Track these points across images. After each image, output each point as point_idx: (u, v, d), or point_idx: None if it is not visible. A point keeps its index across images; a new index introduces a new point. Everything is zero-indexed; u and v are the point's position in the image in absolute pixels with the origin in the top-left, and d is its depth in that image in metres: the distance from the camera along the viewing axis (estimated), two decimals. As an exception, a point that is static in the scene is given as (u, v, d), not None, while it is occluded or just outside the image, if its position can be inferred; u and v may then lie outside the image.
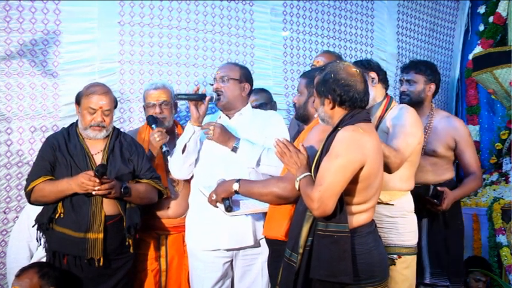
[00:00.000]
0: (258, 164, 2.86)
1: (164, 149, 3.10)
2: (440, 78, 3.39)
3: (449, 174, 3.31)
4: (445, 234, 3.21)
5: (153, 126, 3.15)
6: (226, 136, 2.90)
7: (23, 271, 2.70)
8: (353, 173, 2.12)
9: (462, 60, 6.04)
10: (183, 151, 2.92)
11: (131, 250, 2.90)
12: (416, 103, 3.23)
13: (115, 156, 2.92)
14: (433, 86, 3.30)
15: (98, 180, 2.67)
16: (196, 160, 3.01)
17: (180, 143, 2.97)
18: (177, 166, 3.01)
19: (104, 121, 2.87)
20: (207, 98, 2.92)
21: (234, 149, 2.88)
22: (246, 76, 3.08)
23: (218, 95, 2.99)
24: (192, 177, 3.07)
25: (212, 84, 3.07)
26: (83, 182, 2.68)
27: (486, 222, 4.38)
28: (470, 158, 3.29)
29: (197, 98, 2.92)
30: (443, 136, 3.25)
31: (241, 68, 3.12)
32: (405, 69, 3.37)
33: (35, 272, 2.68)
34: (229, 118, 3.06)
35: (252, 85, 3.12)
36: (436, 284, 3.19)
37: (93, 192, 2.70)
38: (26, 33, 3.45)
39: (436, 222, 3.19)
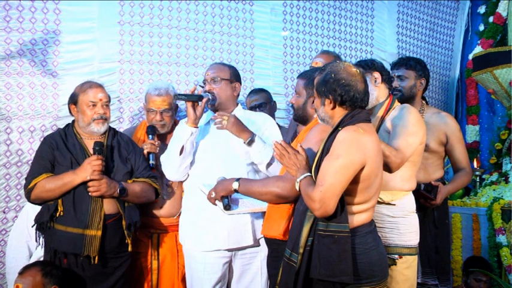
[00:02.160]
0: (269, 163, 2.85)
1: (151, 161, 3.09)
2: (429, 74, 3.44)
3: (439, 173, 3.35)
4: (434, 233, 3.26)
5: (149, 136, 3.16)
6: (241, 127, 2.85)
7: (26, 269, 2.70)
8: (354, 173, 2.13)
9: (462, 60, 6.03)
10: (181, 153, 2.91)
11: (129, 249, 2.90)
12: (408, 98, 3.26)
13: (113, 156, 2.93)
14: (423, 81, 3.36)
15: (100, 157, 2.75)
16: (192, 162, 3.00)
17: (174, 144, 2.93)
18: (174, 168, 2.97)
19: (106, 113, 2.89)
20: (204, 100, 2.91)
21: (250, 143, 2.83)
22: (235, 75, 3.07)
23: (213, 97, 2.97)
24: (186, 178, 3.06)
25: (203, 86, 3.05)
26: (86, 164, 2.73)
27: (486, 222, 4.37)
28: (461, 153, 3.35)
29: (196, 99, 2.91)
30: (434, 131, 3.28)
31: (230, 67, 3.11)
32: (395, 65, 3.41)
33: (38, 270, 2.68)
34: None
35: (241, 84, 3.12)
36: (426, 283, 3.21)
37: (89, 189, 2.74)
38: (25, 32, 3.45)
39: (426, 221, 3.21)
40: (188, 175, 3.04)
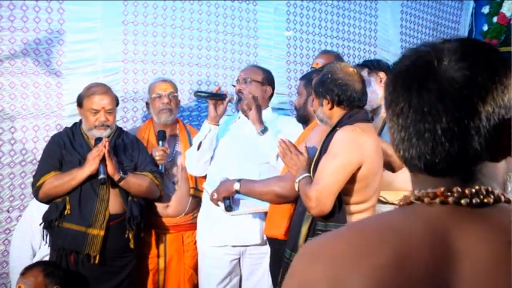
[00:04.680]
0: (277, 158, 2.87)
1: (160, 169, 3.15)
2: None
3: None
4: None
5: (159, 142, 3.17)
6: (259, 118, 2.93)
7: (27, 270, 2.71)
8: (351, 172, 2.13)
9: (466, 61, 6.02)
10: (198, 148, 2.96)
11: (131, 245, 2.90)
12: None
13: (118, 154, 2.95)
14: None
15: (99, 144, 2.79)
16: (212, 158, 3.06)
17: (195, 140, 3.04)
18: (193, 163, 3.08)
19: (108, 120, 2.92)
20: (227, 99, 2.95)
21: (263, 131, 2.90)
22: (268, 79, 3.13)
23: (239, 97, 3.02)
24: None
25: (234, 86, 3.12)
26: (92, 152, 2.77)
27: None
28: None
29: (218, 97, 2.94)
30: None
31: (264, 71, 3.17)
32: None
33: (39, 270, 2.68)
34: (248, 119, 3.08)
35: (273, 89, 3.15)
36: None
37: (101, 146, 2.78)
38: (29, 32, 3.45)
39: None
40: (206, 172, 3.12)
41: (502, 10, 5.56)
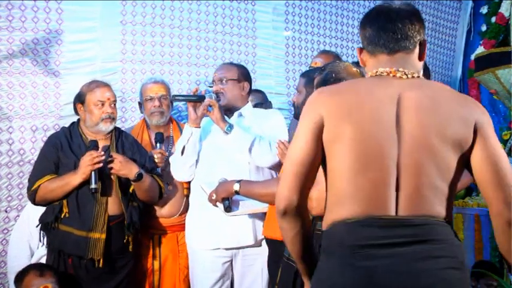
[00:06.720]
0: (249, 151, 2.85)
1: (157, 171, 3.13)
2: (430, 74, 3.42)
3: None
4: None
5: (157, 145, 3.16)
6: (221, 117, 2.88)
7: (42, 270, 2.69)
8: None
9: (464, 61, 6.01)
10: (182, 153, 2.92)
11: (130, 248, 2.90)
12: None
13: None
14: None
15: (93, 152, 2.72)
16: (197, 161, 3.01)
17: (178, 144, 2.98)
18: (178, 168, 3.02)
19: (113, 113, 2.90)
20: (206, 100, 2.92)
21: (228, 129, 2.87)
22: (244, 75, 3.08)
23: (218, 97, 2.99)
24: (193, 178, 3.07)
25: (211, 86, 3.08)
26: (84, 159, 2.71)
27: (488, 222, 4.36)
28: None
29: (195, 99, 2.90)
30: None
31: (238, 67, 3.13)
32: None
33: (52, 272, 2.69)
34: (229, 118, 3.05)
35: (251, 83, 3.12)
36: None
37: (109, 165, 2.75)
38: (28, 32, 3.45)
39: None
40: (194, 175, 3.06)
41: (500, 10, 5.55)
